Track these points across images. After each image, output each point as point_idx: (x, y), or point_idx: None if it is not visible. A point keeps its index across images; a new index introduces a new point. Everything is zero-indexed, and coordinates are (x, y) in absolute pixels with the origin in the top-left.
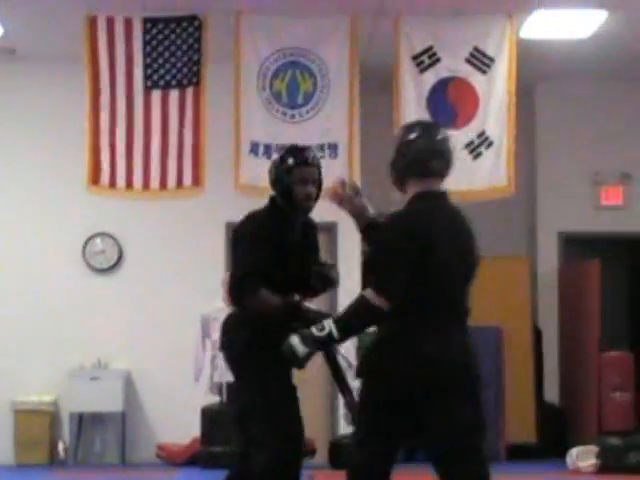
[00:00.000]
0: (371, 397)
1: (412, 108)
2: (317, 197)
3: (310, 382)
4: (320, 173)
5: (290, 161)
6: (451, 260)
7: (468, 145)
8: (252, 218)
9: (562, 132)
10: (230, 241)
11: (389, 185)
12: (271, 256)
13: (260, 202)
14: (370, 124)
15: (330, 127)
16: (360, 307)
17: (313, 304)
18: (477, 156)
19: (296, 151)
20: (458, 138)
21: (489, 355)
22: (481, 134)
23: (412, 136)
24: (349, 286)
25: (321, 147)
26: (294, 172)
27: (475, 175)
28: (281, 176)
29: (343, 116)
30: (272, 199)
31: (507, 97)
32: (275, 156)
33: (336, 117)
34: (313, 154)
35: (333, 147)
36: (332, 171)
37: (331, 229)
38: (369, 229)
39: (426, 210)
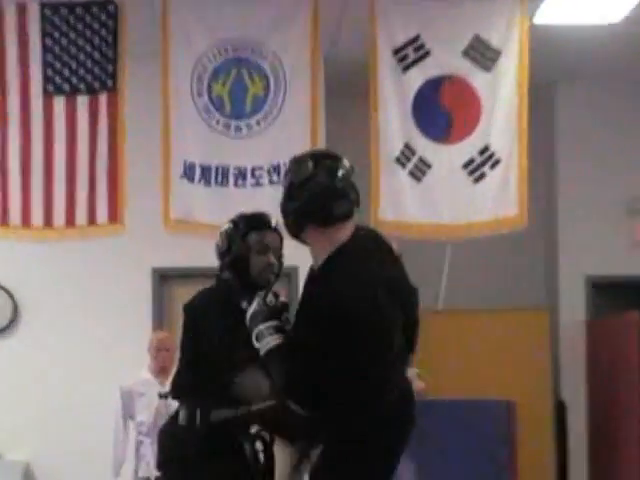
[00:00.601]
0: None
1: (393, 117)
2: (279, 272)
3: None
4: (282, 241)
5: (245, 226)
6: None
7: (467, 165)
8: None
9: (589, 146)
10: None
11: (364, 206)
12: None
13: (196, 241)
14: (339, 138)
15: (287, 143)
16: None
17: None
18: (479, 178)
19: (252, 216)
20: (453, 155)
21: (498, 437)
22: (484, 150)
23: (306, 173)
24: None
25: (275, 169)
26: (250, 238)
27: (477, 203)
28: (234, 244)
29: (304, 128)
30: (219, 280)
31: (517, 101)
32: (214, 183)
33: (295, 130)
34: (275, 219)
35: None
36: None
37: (291, 274)
38: None
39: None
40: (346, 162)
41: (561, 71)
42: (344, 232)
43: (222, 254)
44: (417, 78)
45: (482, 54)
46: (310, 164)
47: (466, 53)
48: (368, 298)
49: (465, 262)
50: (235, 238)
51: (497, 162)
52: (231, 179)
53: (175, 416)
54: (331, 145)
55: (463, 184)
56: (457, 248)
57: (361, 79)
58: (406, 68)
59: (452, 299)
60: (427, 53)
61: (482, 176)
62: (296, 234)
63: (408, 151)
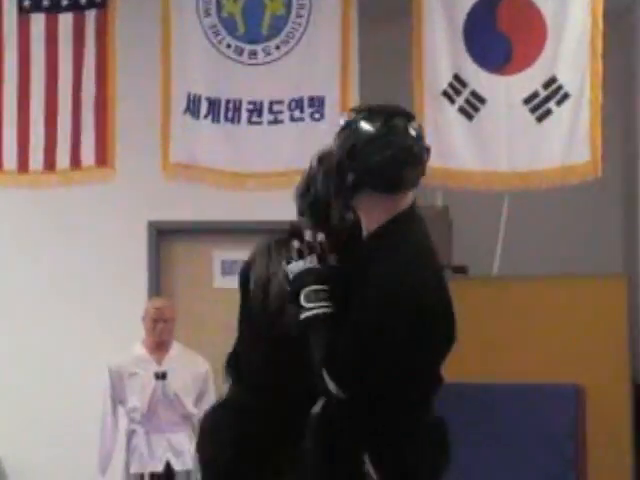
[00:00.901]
0: None
1: (441, 43)
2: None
3: None
4: None
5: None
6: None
7: (530, 100)
8: None
9: None
10: None
11: None
12: None
13: (201, 190)
14: (374, 69)
15: (311, 73)
16: None
17: None
18: (543, 116)
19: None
20: (513, 88)
21: (564, 427)
22: (550, 82)
23: (375, 131)
24: None
25: (298, 104)
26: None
27: (540, 146)
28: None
29: (332, 56)
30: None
31: (591, 25)
32: (224, 120)
33: (322, 57)
34: None
35: (317, 103)
36: (315, 139)
37: None
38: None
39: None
40: (416, 121)
41: None
42: (405, 202)
43: (301, 195)
44: None
45: None
46: (379, 120)
47: None
48: (438, 282)
49: (526, 219)
50: (317, 178)
51: (565, 97)
52: (244, 115)
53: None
54: (366, 75)
55: (524, 123)
56: (516, 201)
57: (402, 1)
58: None
59: (509, 263)
60: None
61: (547, 113)
62: (347, 199)
63: (458, 83)
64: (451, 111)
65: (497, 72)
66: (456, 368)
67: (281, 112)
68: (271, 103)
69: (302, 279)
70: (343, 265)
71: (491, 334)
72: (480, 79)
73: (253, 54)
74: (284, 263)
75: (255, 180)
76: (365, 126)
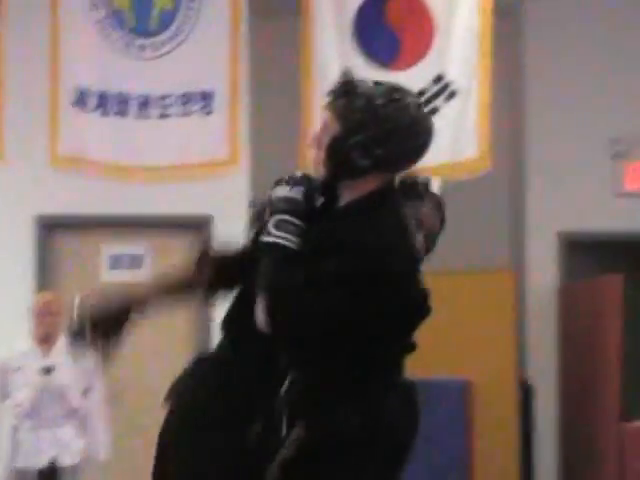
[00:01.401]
0: None
1: (330, 38)
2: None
3: None
4: None
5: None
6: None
7: (418, 95)
8: None
9: (564, 76)
10: None
11: (288, 152)
12: None
13: (89, 183)
14: (264, 63)
15: (201, 67)
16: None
17: None
18: (432, 113)
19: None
20: (401, 84)
21: (451, 422)
22: (438, 79)
23: (408, 115)
24: None
25: (187, 98)
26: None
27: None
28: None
29: (222, 51)
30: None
31: (479, 21)
32: (112, 113)
33: (211, 52)
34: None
35: (206, 98)
36: (205, 132)
37: (202, 224)
38: None
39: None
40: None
41: None
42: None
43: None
44: None
45: None
46: (407, 101)
47: None
48: (407, 254)
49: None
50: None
51: (453, 94)
52: (133, 108)
53: None
54: (256, 74)
55: None
56: None
57: None
58: None
59: None
60: None
61: (435, 110)
62: (351, 175)
63: None
64: None
65: (386, 68)
66: None
67: (170, 106)
68: (161, 97)
69: (279, 204)
70: (323, 211)
71: None
72: (369, 74)
73: (142, 48)
74: (273, 184)
75: (144, 174)
76: (395, 109)
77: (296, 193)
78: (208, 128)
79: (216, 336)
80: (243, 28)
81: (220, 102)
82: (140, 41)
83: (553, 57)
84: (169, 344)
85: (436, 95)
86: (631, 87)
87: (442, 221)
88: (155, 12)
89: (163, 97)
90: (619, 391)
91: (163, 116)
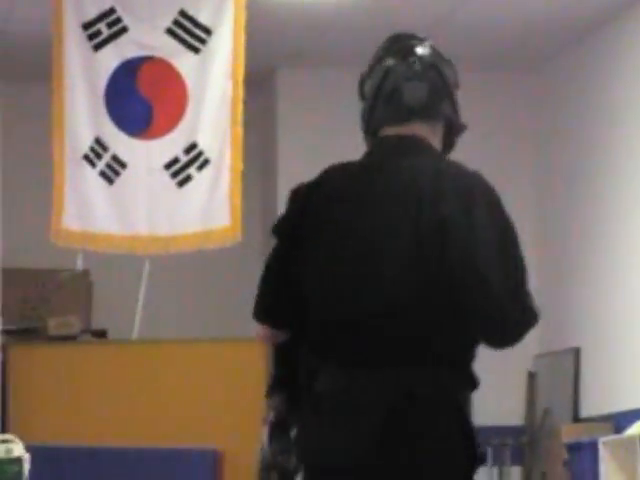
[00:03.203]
0: None
1: (82, 107)
2: None
3: None
4: None
5: None
6: None
7: (171, 165)
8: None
9: (317, 145)
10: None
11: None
12: None
13: None
14: (16, 130)
15: None
16: None
17: None
18: (184, 182)
19: None
20: (153, 154)
21: None
22: (191, 147)
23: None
24: None
25: None
26: None
27: (181, 211)
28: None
29: None
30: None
31: (231, 89)
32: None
33: None
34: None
35: None
36: None
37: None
38: None
39: None
40: None
41: (284, 55)
42: None
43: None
44: (112, 59)
45: (190, 32)
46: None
47: (170, 31)
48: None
49: (169, 283)
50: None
51: (206, 162)
52: None
53: None
54: (6, 139)
55: (164, 188)
56: (158, 265)
57: (43, 59)
58: (98, 46)
59: (150, 327)
60: (124, 29)
61: (188, 179)
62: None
63: (99, 147)
64: (92, 175)
65: (138, 136)
66: (94, 432)
67: None
68: None
69: None
70: None
71: (131, 399)
72: (121, 143)
73: None
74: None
75: None
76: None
77: None
78: None
79: None
80: None
81: None
82: None
83: (305, 129)
84: None
85: (189, 164)
86: None
87: None
88: None
89: None
90: None
91: None
